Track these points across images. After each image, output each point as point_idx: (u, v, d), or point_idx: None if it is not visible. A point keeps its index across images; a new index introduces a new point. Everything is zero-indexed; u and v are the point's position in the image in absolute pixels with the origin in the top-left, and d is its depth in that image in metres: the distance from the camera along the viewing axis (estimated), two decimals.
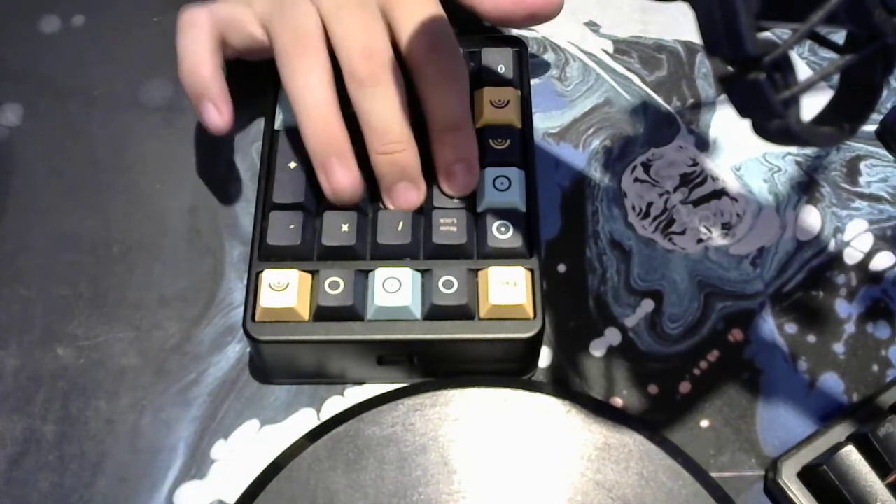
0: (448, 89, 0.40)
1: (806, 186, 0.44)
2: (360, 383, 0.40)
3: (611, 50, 0.48)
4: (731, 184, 0.44)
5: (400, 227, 0.38)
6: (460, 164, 0.39)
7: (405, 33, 0.40)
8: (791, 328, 0.41)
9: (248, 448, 0.39)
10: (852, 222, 0.43)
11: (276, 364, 0.39)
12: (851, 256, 0.42)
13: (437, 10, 0.40)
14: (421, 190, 0.39)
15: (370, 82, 0.38)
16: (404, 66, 0.40)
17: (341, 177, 0.38)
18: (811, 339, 0.41)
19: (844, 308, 0.41)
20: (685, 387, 0.40)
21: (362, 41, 0.38)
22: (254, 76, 0.43)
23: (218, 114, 0.40)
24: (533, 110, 0.44)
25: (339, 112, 0.39)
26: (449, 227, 0.38)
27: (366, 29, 0.39)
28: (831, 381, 0.40)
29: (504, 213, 0.39)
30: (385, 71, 0.38)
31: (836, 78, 0.27)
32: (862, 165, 0.45)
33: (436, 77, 0.39)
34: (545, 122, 0.46)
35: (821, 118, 0.26)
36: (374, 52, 0.38)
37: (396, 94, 0.38)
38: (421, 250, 0.39)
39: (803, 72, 0.47)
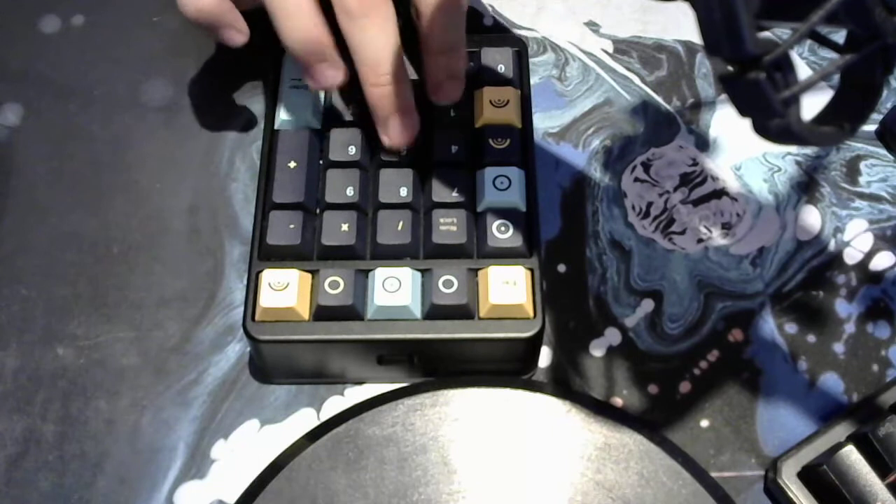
0: (447, 10, 0.39)
1: (806, 186, 0.44)
2: (360, 383, 0.40)
3: (611, 50, 0.48)
4: (731, 184, 0.44)
5: (400, 227, 0.38)
6: (450, 81, 0.40)
7: None
8: (791, 328, 0.41)
9: (248, 448, 0.39)
10: (852, 222, 0.43)
11: (276, 364, 0.39)
12: (851, 256, 0.42)
13: None
14: (416, 122, 0.39)
15: (360, 12, 0.37)
16: None
17: (329, 75, 0.38)
18: (811, 339, 0.41)
19: (844, 308, 0.41)
20: (685, 387, 0.40)
21: None
22: (254, 76, 0.43)
23: (238, 32, 0.40)
24: (533, 110, 0.44)
25: (319, 9, 0.38)
26: (449, 227, 0.38)
27: None
28: (831, 381, 0.40)
29: (504, 213, 0.39)
30: (375, 1, 0.37)
31: (836, 78, 0.27)
32: (862, 165, 0.45)
33: None
34: (545, 122, 0.46)
35: (821, 118, 0.26)
36: None
37: (388, 25, 0.38)
38: (421, 250, 0.38)
39: (803, 72, 0.47)
